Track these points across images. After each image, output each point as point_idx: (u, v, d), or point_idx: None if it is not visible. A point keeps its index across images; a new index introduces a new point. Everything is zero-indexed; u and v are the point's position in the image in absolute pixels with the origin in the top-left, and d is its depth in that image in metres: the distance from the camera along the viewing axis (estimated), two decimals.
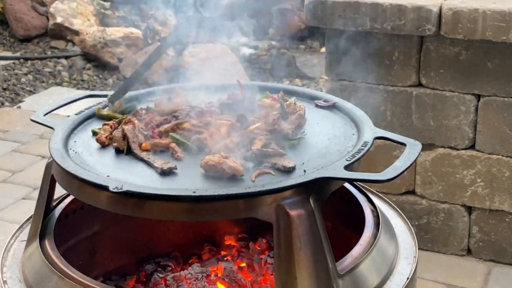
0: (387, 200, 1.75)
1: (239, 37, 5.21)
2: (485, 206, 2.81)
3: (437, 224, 2.91)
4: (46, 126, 1.61)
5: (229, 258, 1.85)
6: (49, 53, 5.66)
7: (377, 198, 1.72)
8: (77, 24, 5.63)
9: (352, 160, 1.36)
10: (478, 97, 2.72)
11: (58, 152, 1.46)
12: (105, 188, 1.31)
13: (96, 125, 1.65)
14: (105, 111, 1.66)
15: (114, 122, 1.58)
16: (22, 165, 3.88)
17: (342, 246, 1.49)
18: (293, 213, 1.28)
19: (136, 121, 1.55)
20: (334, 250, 1.33)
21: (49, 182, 1.55)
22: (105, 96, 1.77)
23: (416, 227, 2.87)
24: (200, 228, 1.95)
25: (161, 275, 1.77)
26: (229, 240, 1.93)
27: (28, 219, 1.65)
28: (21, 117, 4.52)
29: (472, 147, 2.79)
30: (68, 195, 1.66)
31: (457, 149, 2.80)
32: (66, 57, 5.50)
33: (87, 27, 5.53)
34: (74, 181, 1.40)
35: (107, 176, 1.37)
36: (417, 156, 1.39)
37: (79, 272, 1.41)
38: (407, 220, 1.68)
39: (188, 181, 1.35)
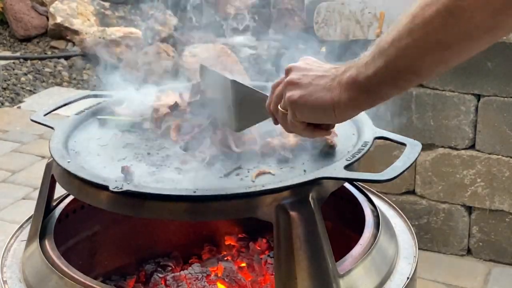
0: (387, 200, 1.75)
1: (239, 37, 5.21)
2: (485, 206, 2.81)
3: (437, 224, 2.91)
4: (46, 126, 1.61)
5: (229, 258, 1.85)
6: (49, 53, 5.66)
7: (377, 198, 1.72)
8: (77, 24, 5.63)
9: (352, 160, 1.36)
10: (478, 97, 2.72)
11: (58, 152, 1.46)
12: (105, 188, 1.31)
13: (96, 125, 1.65)
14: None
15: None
16: (22, 165, 3.88)
17: (342, 246, 1.49)
18: (293, 213, 1.28)
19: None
20: (334, 250, 1.33)
21: (49, 182, 1.55)
22: (105, 96, 1.77)
23: (416, 227, 2.87)
24: (200, 228, 1.95)
25: (161, 275, 1.77)
26: (229, 240, 1.93)
27: (28, 219, 1.65)
28: (21, 117, 4.52)
29: (472, 147, 2.79)
30: (68, 195, 1.66)
31: (457, 149, 2.80)
32: (66, 57, 5.51)
33: (87, 27, 5.53)
34: (74, 181, 1.40)
35: (107, 176, 1.37)
36: (417, 156, 1.39)
37: (79, 272, 1.41)
38: (407, 220, 1.68)
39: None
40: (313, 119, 1.17)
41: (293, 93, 1.16)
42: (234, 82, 1.36)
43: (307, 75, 1.15)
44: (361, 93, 1.08)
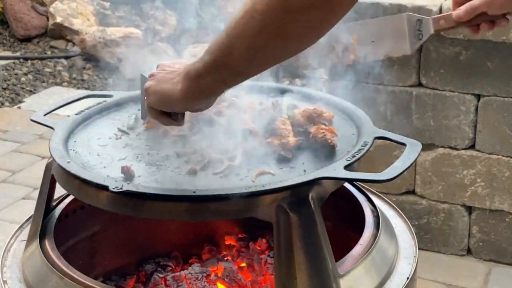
0: (387, 200, 1.75)
1: None
2: (485, 206, 2.81)
3: (437, 224, 2.91)
4: (46, 126, 1.61)
5: (229, 258, 1.85)
6: (49, 53, 5.65)
7: (377, 198, 1.72)
8: (77, 24, 5.63)
9: (352, 160, 1.36)
10: (478, 97, 2.72)
11: (58, 152, 1.46)
12: (105, 188, 1.31)
13: (96, 125, 1.65)
14: None
15: None
16: (22, 165, 3.88)
17: (342, 246, 1.49)
18: (293, 213, 1.28)
19: None
20: (334, 250, 1.33)
21: (49, 182, 1.55)
22: (105, 96, 1.77)
23: (416, 227, 2.87)
24: (200, 228, 1.95)
25: (161, 275, 1.77)
26: (229, 240, 1.93)
27: (28, 219, 1.65)
28: (21, 117, 4.52)
29: (472, 147, 2.79)
30: (68, 195, 1.66)
31: (457, 149, 2.80)
32: (66, 57, 5.50)
33: (87, 27, 5.53)
34: (74, 181, 1.40)
35: (107, 176, 1.37)
36: (417, 156, 1.39)
37: (79, 272, 1.41)
38: (407, 220, 1.68)
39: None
40: (159, 106, 1.32)
41: (149, 83, 1.34)
42: (141, 76, 1.49)
43: (164, 70, 1.33)
44: (193, 84, 1.23)
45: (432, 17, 1.58)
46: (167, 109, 1.33)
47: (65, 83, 5.17)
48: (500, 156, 2.75)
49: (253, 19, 1.08)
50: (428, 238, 2.93)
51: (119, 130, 1.60)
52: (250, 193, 1.29)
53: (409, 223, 1.66)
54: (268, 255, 1.80)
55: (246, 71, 1.19)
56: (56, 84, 5.17)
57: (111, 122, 1.66)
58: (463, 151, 2.79)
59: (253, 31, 1.10)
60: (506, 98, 2.68)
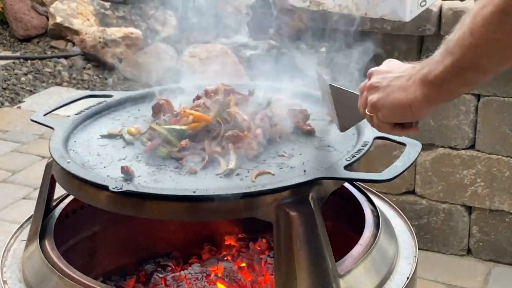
0: (387, 200, 1.75)
1: (239, 37, 5.21)
2: (485, 206, 2.81)
3: (437, 224, 2.91)
4: (46, 126, 1.61)
5: (229, 258, 1.85)
6: (49, 53, 5.65)
7: (377, 198, 1.72)
8: (77, 24, 5.63)
9: (352, 160, 1.36)
10: (478, 97, 2.72)
11: (58, 152, 1.46)
12: (105, 188, 1.31)
13: (96, 125, 1.65)
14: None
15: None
16: (22, 165, 3.88)
17: (342, 246, 1.49)
18: (293, 213, 1.28)
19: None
20: (334, 250, 1.33)
21: (49, 182, 1.55)
22: (105, 96, 1.77)
23: (416, 227, 2.87)
24: (200, 228, 1.95)
25: (161, 275, 1.77)
26: (229, 240, 1.93)
27: (28, 219, 1.65)
28: (21, 117, 4.52)
29: (472, 147, 2.79)
30: (68, 195, 1.66)
31: (457, 149, 2.80)
32: (66, 57, 5.50)
33: (87, 27, 5.53)
34: (74, 181, 1.40)
35: (107, 176, 1.37)
36: (417, 156, 1.39)
37: (79, 272, 1.41)
38: (407, 220, 1.68)
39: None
40: (393, 118, 1.23)
41: (373, 97, 1.23)
42: (331, 86, 1.42)
43: (385, 78, 1.23)
44: (433, 90, 1.13)
45: None
46: (403, 120, 1.24)
47: (65, 83, 5.17)
48: (500, 156, 2.75)
49: (509, 16, 0.96)
50: (428, 238, 2.93)
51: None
52: (250, 193, 1.29)
53: (409, 223, 1.66)
54: (268, 255, 1.80)
55: (497, 70, 1.07)
56: (56, 84, 5.17)
57: (111, 122, 1.66)
58: (463, 151, 2.79)
59: (509, 27, 0.97)
60: (506, 98, 2.68)
